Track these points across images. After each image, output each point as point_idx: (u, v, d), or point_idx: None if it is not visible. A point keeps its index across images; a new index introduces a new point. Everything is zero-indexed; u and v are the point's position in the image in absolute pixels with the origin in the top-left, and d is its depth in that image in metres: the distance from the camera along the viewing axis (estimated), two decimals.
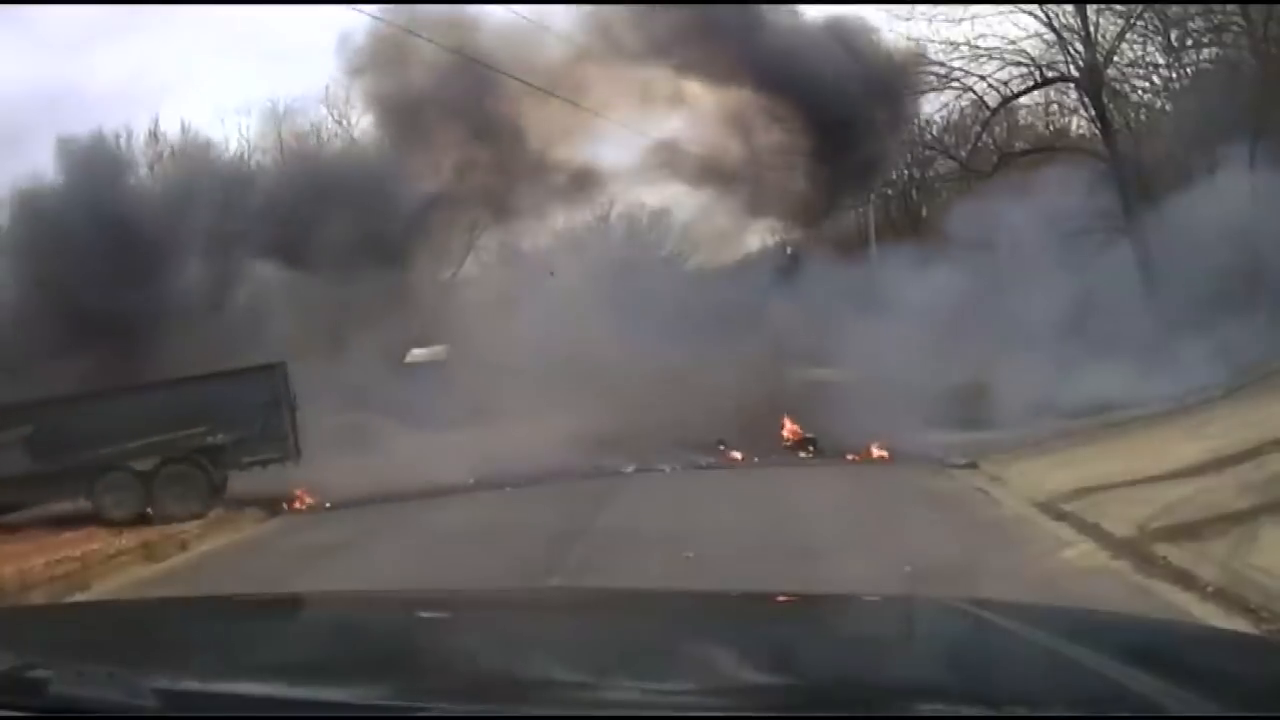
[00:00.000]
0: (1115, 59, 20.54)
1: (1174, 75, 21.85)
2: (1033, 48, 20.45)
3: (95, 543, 12.17)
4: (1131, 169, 19.69)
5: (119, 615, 2.81)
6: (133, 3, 25.54)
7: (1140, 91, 22.32)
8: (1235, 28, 19.68)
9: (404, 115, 19.98)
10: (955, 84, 21.36)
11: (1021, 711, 1.59)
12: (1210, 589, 6.54)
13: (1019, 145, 23.83)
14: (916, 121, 22.38)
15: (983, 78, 21.04)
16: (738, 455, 17.17)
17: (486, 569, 8.50)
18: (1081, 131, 23.28)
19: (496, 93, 19.14)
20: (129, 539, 12.37)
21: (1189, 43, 20.93)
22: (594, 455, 16.09)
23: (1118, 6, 20.03)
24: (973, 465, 14.07)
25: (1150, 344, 15.95)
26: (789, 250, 23.32)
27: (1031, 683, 1.75)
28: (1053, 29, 20.11)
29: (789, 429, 17.77)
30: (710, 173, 20.52)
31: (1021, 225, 17.37)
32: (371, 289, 18.07)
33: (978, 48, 20.36)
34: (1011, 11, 19.97)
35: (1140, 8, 19.93)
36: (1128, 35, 20.49)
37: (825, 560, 8.19)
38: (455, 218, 21.02)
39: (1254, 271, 16.54)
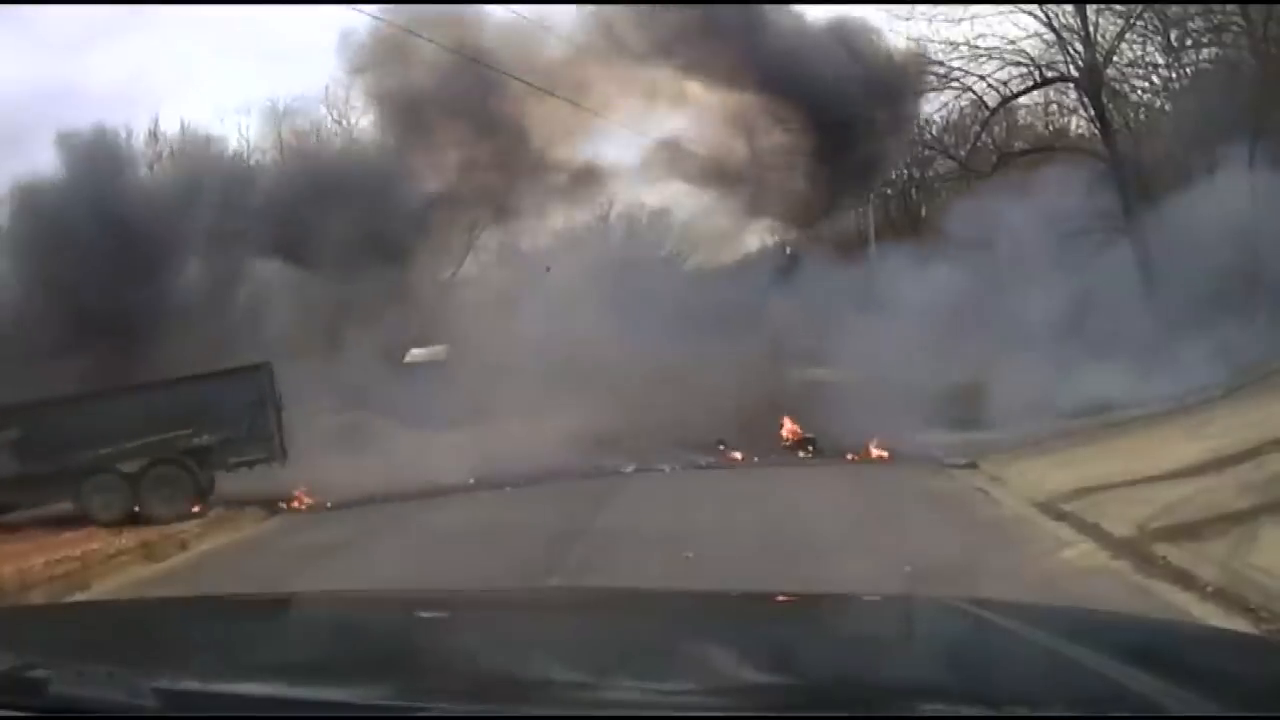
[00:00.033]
0: (1115, 59, 20.56)
1: (1174, 75, 21.88)
2: (1032, 48, 20.48)
3: (95, 542, 12.17)
4: (1131, 169, 19.69)
5: (119, 615, 2.81)
6: (133, 2, 25.51)
7: (1140, 91, 22.36)
8: (1235, 28, 19.68)
9: (405, 113, 20.00)
10: (955, 84, 21.38)
11: (1021, 711, 1.59)
12: (1210, 589, 6.54)
13: (1018, 145, 23.83)
14: (916, 122, 22.41)
15: (982, 78, 21.06)
16: (737, 455, 17.18)
17: (486, 569, 8.50)
18: (1081, 131, 23.31)
19: (498, 91, 19.15)
20: (128, 539, 12.37)
21: (1189, 43, 20.93)
22: (594, 455, 16.10)
23: (1118, 6, 20.04)
24: (972, 465, 14.07)
25: (1150, 344, 15.95)
26: (788, 250, 23.33)
27: (1031, 683, 1.75)
28: (1052, 29, 20.13)
29: (788, 429, 17.78)
30: (711, 172, 20.55)
31: (1021, 225, 17.37)
32: (371, 288, 18.10)
33: (977, 48, 20.38)
34: (1011, 11, 20.00)
35: (1140, 8, 19.93)
36: (1127, 35, 20.51)
37: (825, 560, 8.19)
38: (456, 217, 21.04)
39: (1254, 271, 16.55)
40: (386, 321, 18.35)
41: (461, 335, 19.04)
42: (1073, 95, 22.36)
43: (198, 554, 11.95)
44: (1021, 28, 20.45)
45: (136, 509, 14.16)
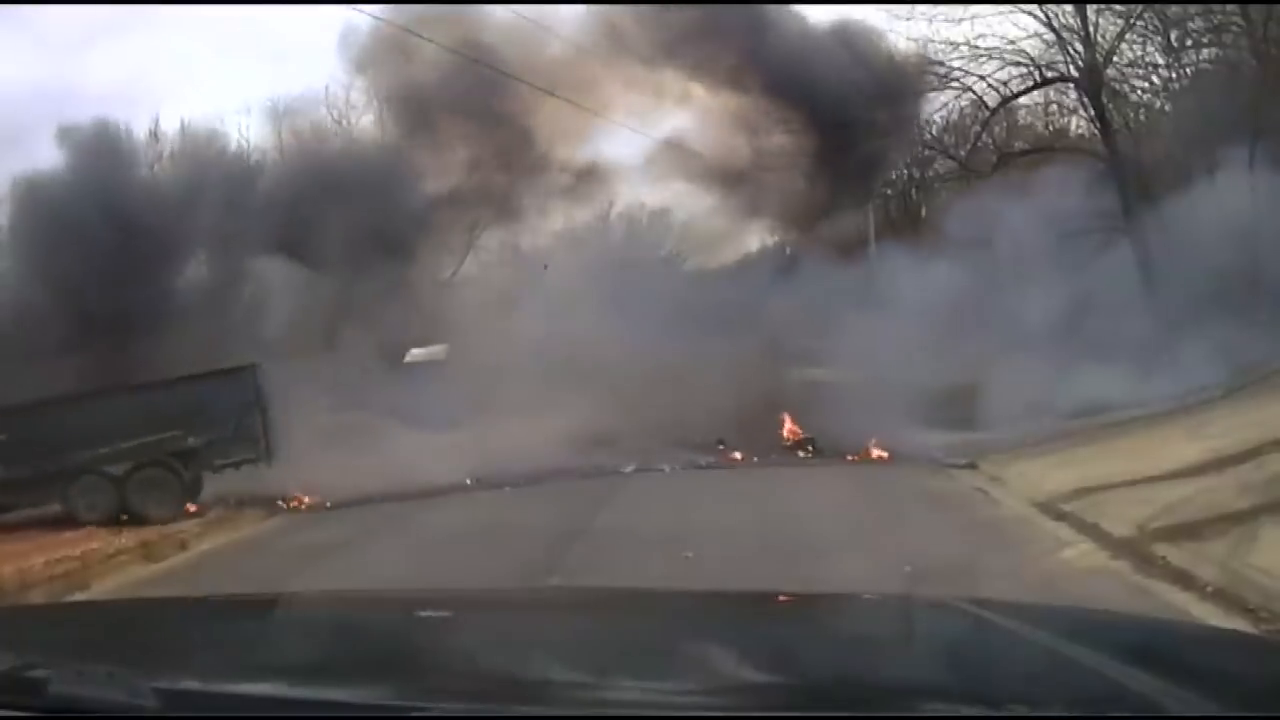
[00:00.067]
0: (1115, 59, 20.55)
1: (1174, 75, 21.87)
2: (1032, 48, 20.48)
3: (94, 542, 12.18)
4: (1131, 169, 19.69)
5: (119, 615, 2.81)
6: (133, 2, 25.50)
7: (1140, 91, 22.34)
8: (1235, 28, 19.68)
9: (407, 111, 20.04)
10: (955, 84, 21.39)
11: (1021, 711, 1.59)
12: (1209, 589, 6.54)
13: (1018, 145, 23.83)
14: (918, 123, 22.43)
15: (982, 78, 21.05)
16: (737, 455, 17.19)
17: (486, 568, 8.50)
18: (1081, 131, 23.30)
19: (501, 90, 19.16)
20: (128, 538, 12.38)
21: (1189, 43, 20.93)
22: (593, 455, 16.11)
23: (1118, 6, 20.04)
24: (972, 465, 14.07)
25: (1150, 344, 15.96)
26: (788, 250, 23.33)
27: (1031, 682, 1.75)
28: (1052, 29, 20.12)
29: (788, 429, 17.79)
30: (712, 172, 20.58)
31: (1021, 225, 17.37)
32: (372, 288, 18.09)
33: (977, 48, 20.37)
34: (1011, 11, 20.00)
35: (1140, 8, 19.93)
36: (1127, 35, 20.50)
37: (825, 560, 8.19)
38: (457, 216, 21.06)
39: (1254, 271, 16.55)
40: (387, 321, 18.35)
41: (461, 335, 19.05)
42: (1073, 95, 22.37)
43: (197, 554, 11.95)
44: (1021, 28, 20.46)
45: (123, 511, 14.14)
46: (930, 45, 20.56)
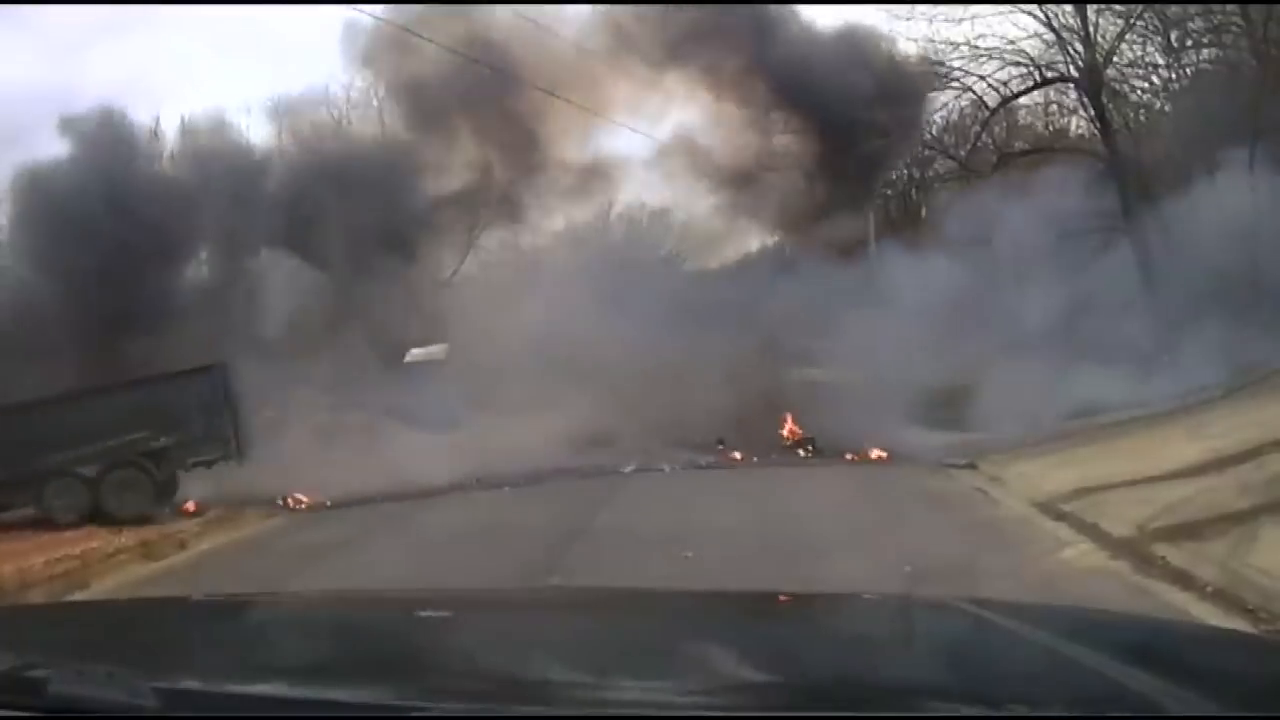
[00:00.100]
0: (1115, 59, 20.56)
1: (1174, 76, 21.87)
2: (1032, 48, 20.50)
3: (94, 541, 12.18)
4: (1131, 169, 19.70)
5: (119, 615, 2.81)
6: (133, 2, 25.50)
7: (1140, 92, 22.35)
8: (1235, 28, 19.68)
9: (410, 109, 20.04)
10: (955, 84, 21.40)
11: (1021, 711, 1.59)
12: (1209, 589, 6.54)
13: (1018, 145, 23.84)
14: (921, 127, 22.43)
15: (982, 78, 21.09)
16: (737, 455, 17.19)
17: (486, 568, 8.50)
18: (1081, 132, 23.31)
19: (505, 89, 19.15)
20: (128, 538, 12.38)
21: (1189, 43, 20.93)
22: (593, 455, 16.10)
23: (1118, 6, 20.05)
24: (972, 465, 14.07)
25: (1150, 344, 15.96)
26: (788, 250, 23.33)
27: (1031, 682, 1.75)
28: (1052, 29, 20.14)
29: (788, 429, 17.79)
30: (715, 172, 20.58)
31: (1021, 225, 17.37)
32: (373, 287, 18.09)
33: (977, 48, 20.41)
34: (1011, 11, 20.01)
35: (1140, 8, 19.93)
36: (1127, 36, 20.51)
37: (825, 560, 8.19)
38: (459, 215, 21.06)
39: (1254, 272, 16.55)
40: (387, 321, 18.35)
41: (461, 335, 19.05)
42: (1073, 95, 22.39)
43: (197, 553, 11.95)
44: (1021, 28, 20.49)
45: (98, 513, 14.11)
46: (930, 45, 20.62)
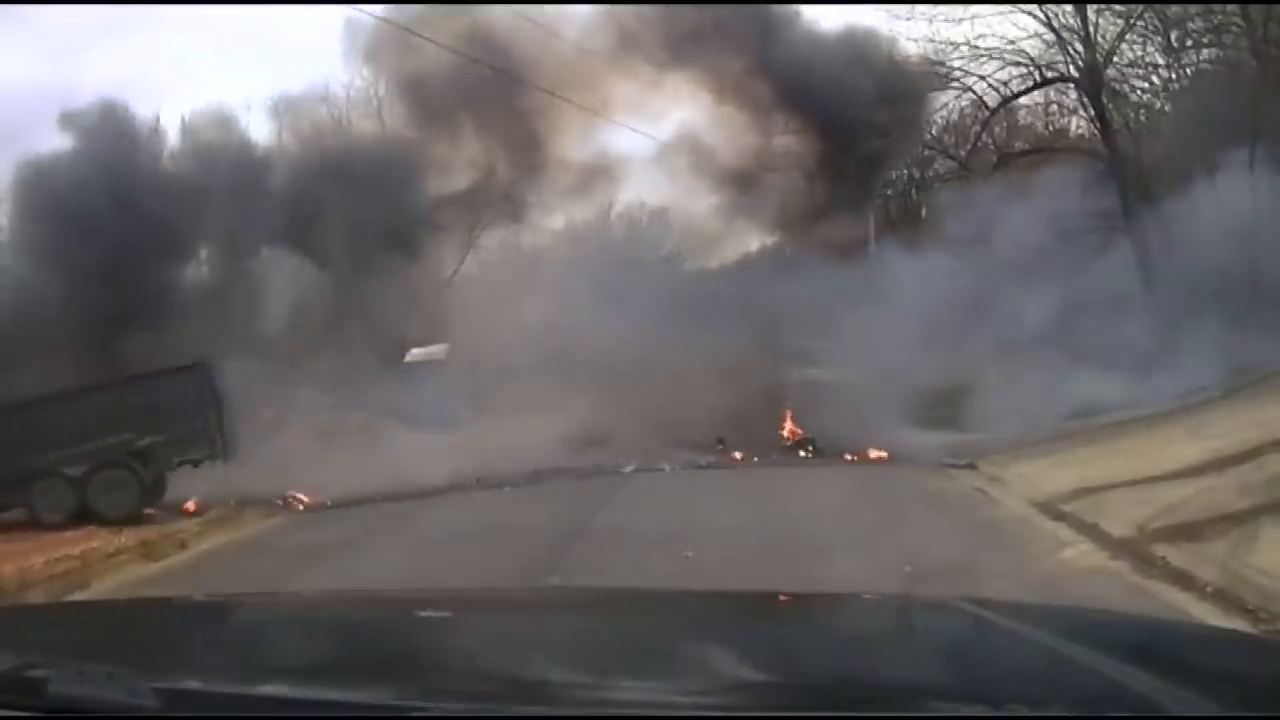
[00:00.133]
0: (1115, 59, 20.58)
1: (1174, 76, 21.88)
2: (1032, 48, 20.52)
3: (94, 541, 12.17)
4: (1131, 169, 19.70)
5: (119, 615, 2.81)
6: (133, 2, 25.49)
7: (1140, 92, 22.36)
8: (1235, 28, 19.68)
9: (412, 107, 20.04)
10: (955, 84, 21.41)
11: (1021, 711, 1.59)
12: (1209, 589, 6.54)
13: (1018, 145, 23.85)
14: (923, 128, 22.44)
15: (982, 78, 21.10)
16: (737, 455, 17.19)
17: (486, 568, 8.51)
18: (1081, 131, 23.32)
19: (508, 88, 19.15)
20: (128, 537, 12.37)
21: (1189, 43, 20.94)
22: (593, 454, 16.11)
23: (1118, 6, 20.05)
24: (971, 466, 14.08)
25: (1150, 344, 15.95)
26: (788, 250, 23.33)
27: (1031, 682, 1.75)
28: (1052, 29, 20.15)
29: (788, 428, 17.80)
30: (716, 172, 20.59)
31: (1021, 225, 17.38)
32: (373, 286, 18.08)
33: (977, 48, 20.42)
34: (1011, 11, 20.02)
35: (1140, 8, 19.94)
36: (1127, 36, 20.52)
37: (825, 560, 8.20)
38: (460, 214, 21.06)
39: (1254, 272, 16.55)
40: (387, 320, 18.34)
41: (461, 334, 19.05)
42: (1073, 95, 22.41)
43: (197, 553, 11.94)
44: (1021, 28, 20.49)
45: (85, 513, 14.08)
46: (931, 45, 20.63)
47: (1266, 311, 16.06)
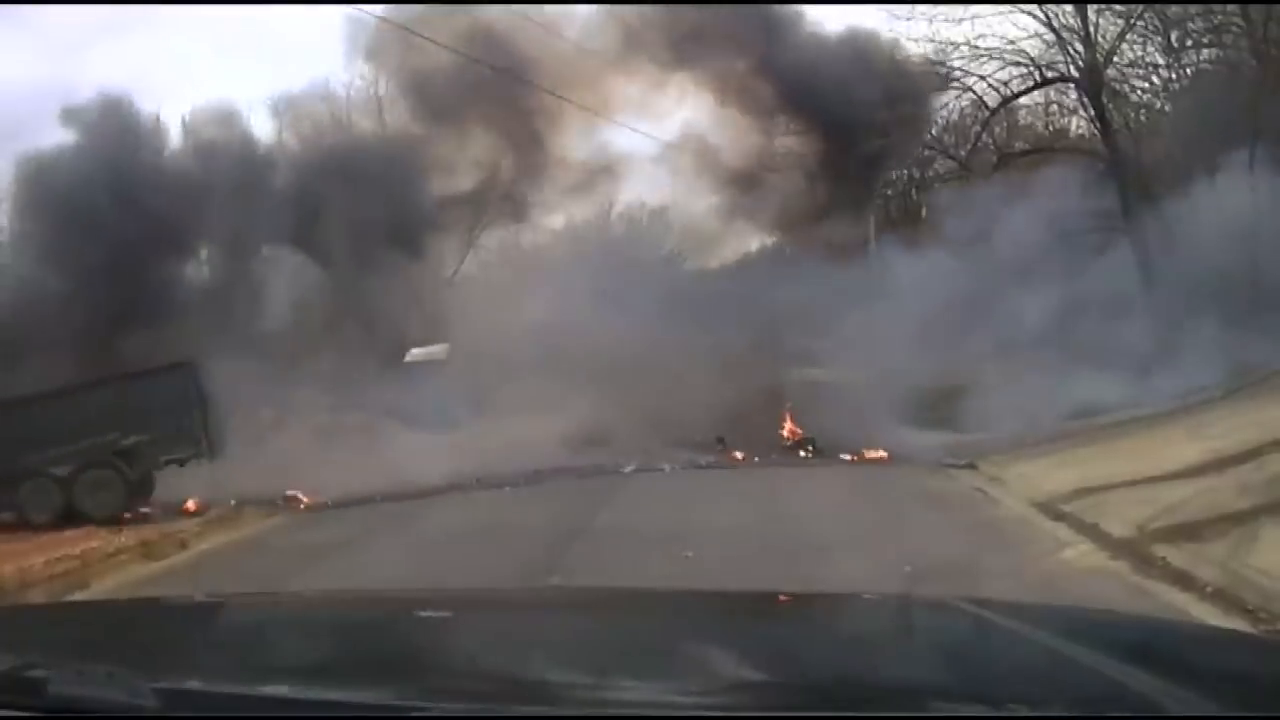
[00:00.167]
0: (1115, 59, 20.57)
1: (1174, 75, 21.88)
2: (1032, 48, 20.52)
3: (94, 541, 12.16)
4: (1131, 169, 19.70)
5: (119, 615, 2.81)
6: (133, 2, 25.49)
7: (1140, 91, 22.36)
8: (1235, 28, 19.68)
9: (415, 106, 20.06)
10: (955, 84, 21.40)
11: (1021, 711, 1.59)
12: (1209, 589, 6.54)
13: (1018, 145, 23.85)
14: (922, 125, 22.43)
15: (982, 78, 21.10)
16: (737, 455, 17.20)
17: (486, 568, 8.51)
18: (1081, 131, 23.32)
19: (507, 87, 19.16)
20: (128, 537, 12.37)
21: (1189, 43, 20.94)
22: (593, 454, 16.11)
23: (1118, 6, 20.05)
24: (971, 466, 14.08)
25: (1150, 344, 15.95)
26: (788, 250, 23.34)
27: (1031, 682, 1.75)
28: (1052, 29, 20.15)
29: (788, 428, 17.80)
30: (719, 173, 20.60)
31: (1021, 225, 17.38)
32: (374, 286, 18.08)
33: (977, 48, 20.42)
34: (1011, 11, 20.02)
35: (1140, 8, 19.94)
36: (1128, 36, 20.51)
37: (825, 560, 8.20)
38: (462, 213, 21.07)
39: (1254, 272, 16.55)
40: (388, 320, 18.34)
41: (462, 334, 19.05)
42: (1073, 95, 22.40)
43: (197, 553, 11.94)
44: (1021, 28, 20.49)
45: (72, 512, 14.07)
46: (931, 45, 20.63)
47: (1266, 311, 16.05)
